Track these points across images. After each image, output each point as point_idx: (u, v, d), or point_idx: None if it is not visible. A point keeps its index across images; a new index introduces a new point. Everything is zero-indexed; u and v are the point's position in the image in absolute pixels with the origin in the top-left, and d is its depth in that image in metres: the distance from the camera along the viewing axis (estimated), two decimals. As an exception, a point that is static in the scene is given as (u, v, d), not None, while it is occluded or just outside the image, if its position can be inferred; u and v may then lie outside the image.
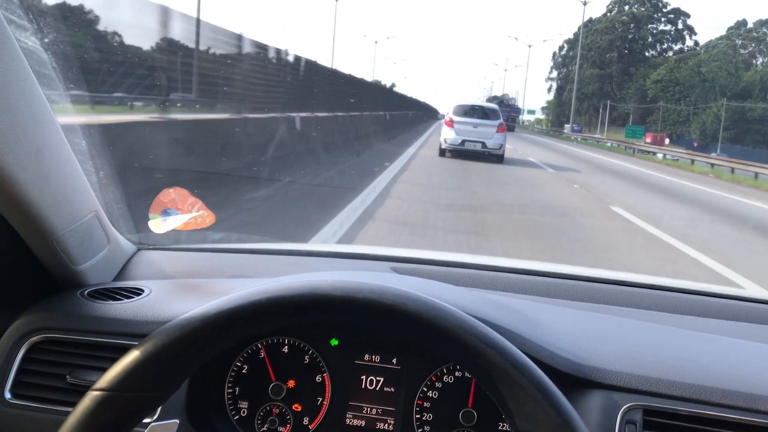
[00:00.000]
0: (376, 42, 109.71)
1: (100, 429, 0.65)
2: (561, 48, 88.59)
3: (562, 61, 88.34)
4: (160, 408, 1.01)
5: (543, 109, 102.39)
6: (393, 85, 68.13)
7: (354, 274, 1.13)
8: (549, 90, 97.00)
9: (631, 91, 72.37)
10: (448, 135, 16.49)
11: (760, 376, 1.01)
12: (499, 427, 1.06)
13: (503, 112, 20.39)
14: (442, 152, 16.72)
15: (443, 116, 20.32)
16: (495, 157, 16.41)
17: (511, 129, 44.67)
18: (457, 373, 1.09)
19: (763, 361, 1.10)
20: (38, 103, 0.96)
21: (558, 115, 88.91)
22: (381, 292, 0.70)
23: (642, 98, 69.06)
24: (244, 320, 0.71)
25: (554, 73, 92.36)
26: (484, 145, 16.22)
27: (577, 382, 0.98)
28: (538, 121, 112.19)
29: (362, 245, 5.08)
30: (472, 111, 16.96)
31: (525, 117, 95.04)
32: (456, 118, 16.53)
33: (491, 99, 74.91)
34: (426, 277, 1.20)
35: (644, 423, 0.93)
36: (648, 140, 48.42)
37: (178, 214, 1.34)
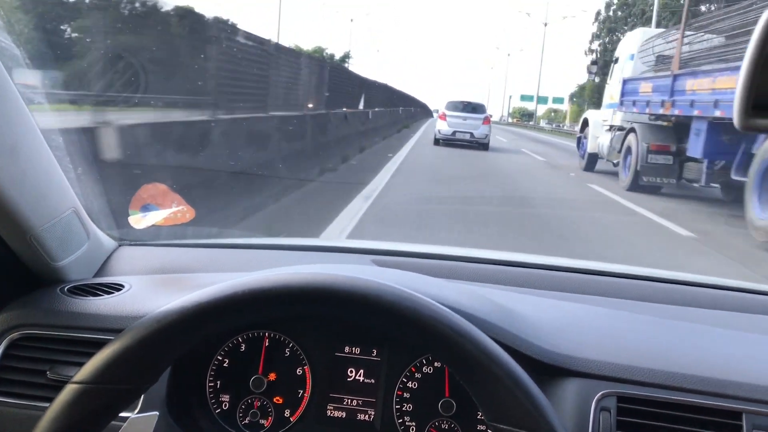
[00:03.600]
0: (351, 20, 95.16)
1: (78, 421, 0.65)
2: (608, 6, 56.28)
3: (605, 26, 56.66)
4: (142, 400, 1.01)
5: (572, 96, 67.90)
6: (347, 55, 52.02)
7: (332, 267, 1.14)
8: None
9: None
10: (441, 127, 19.76)
11: (731, 362, 1.03)
12: (478, 417, 1.07)
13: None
14: (437, 141, 19.78)
15: (437, 111, 22.44)
16: (481, 145, 19.54)
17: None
18: (436, 364, 1.10)
19: (733, 347, 1.12)
20: (11, 100, 0.95)
21: (598, 103, 56.21)
22: (354, 283, 0.70)
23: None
24: (222, 313, 0.71)
25: (595, 45, 56.90)
26: (472, 135, 19.40)
27: (552, 370, 0.99)
28: (550, 115, 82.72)
29: (344, 239, 5.15)
30: (462, 106, 20.01)
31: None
32: (448, 113, 19.75)
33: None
34: (406, 270, 1.21)
35: (618, 410, 0.94)
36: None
37: (157, 209, 1.34)
